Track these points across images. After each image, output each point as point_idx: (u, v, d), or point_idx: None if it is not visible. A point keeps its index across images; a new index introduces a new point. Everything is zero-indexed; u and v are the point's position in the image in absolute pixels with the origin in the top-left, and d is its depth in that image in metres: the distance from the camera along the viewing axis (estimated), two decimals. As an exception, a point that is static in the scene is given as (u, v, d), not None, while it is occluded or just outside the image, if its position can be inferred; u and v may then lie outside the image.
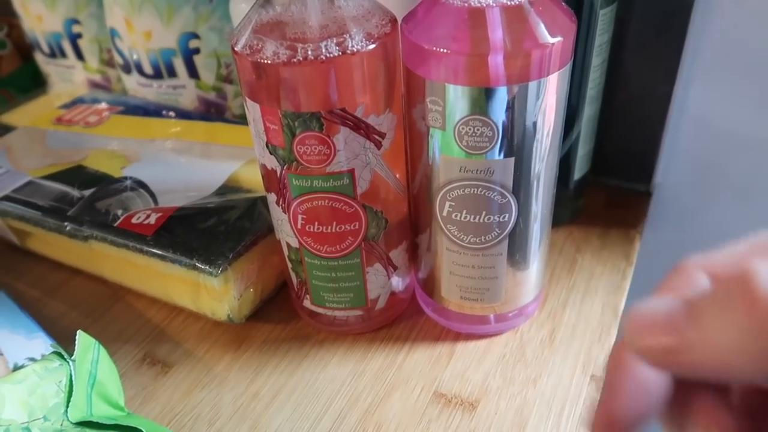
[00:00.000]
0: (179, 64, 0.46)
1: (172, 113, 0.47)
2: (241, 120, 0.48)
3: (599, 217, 0.41)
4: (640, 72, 0.38)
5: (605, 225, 0.40)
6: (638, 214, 0.41)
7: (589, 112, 0.36)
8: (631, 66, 0.38)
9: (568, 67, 0.26)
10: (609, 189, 0.43)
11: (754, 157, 0.39)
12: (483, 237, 0.29)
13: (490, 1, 0.24)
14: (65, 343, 0.31)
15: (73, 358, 0.27)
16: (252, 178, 0.38)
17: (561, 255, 0.38)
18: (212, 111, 0.48)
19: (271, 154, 0.27)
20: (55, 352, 0.28)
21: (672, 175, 0.42)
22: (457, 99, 0.25)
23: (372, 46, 0.25)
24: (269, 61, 0.25)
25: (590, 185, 0.41)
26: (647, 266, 0.44)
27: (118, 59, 0.49)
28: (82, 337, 0.28)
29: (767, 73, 0.36)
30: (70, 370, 0.27)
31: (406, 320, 0.35)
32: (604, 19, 0.32)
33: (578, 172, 0.38)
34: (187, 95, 0.48)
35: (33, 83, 0.58)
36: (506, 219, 0.28)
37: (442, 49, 0.24)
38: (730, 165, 0.40)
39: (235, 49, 0.26)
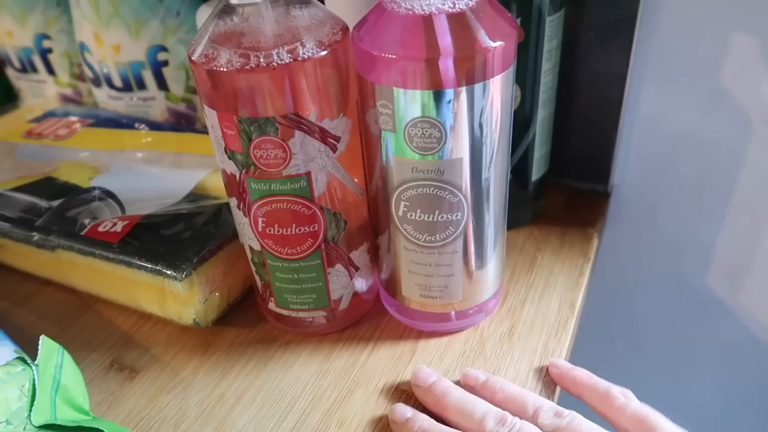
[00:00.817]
0: (148, 77, 0.47)
1: (143, 125, 0.48)
2: (211, 130, 0.48)
3: (559, 216, 0.42)
4: (592, 76, 0.39)
5: (565, 224, 0.41)
6: (596, 214, 0.42)
7: (542, 114, 0.37)
8: (583, 71, 0.39)
9: (511, 70, 0.27)
10: (568, 190, 0.44)
11: (704, 156, 0.40)
12: (437, 235, 0.30)
13: (434, 9, 0.25)
14: (34, 352, 0.32)
15: (36, 362, 0.28)
16: (219, 186, 0.39)
17: (521, 254, 0.39)
18: (182, 122, 0.49)
19: (230, 159, 0.28)
20: (18, 358, 0.28)
21: (628, 175, 0.44)
22: (405, 102, 0.26)
23: (323, 53, 0.26)
24: (224, 69, 0.25)
25: (550, 186, 0.43)
26: (608, 262, 0.45)
27: (88, 73, 0.50)
28: (45, 342, 0.28)
29: (710, 75, 0.37)
30: (33, 375, 0.27)
31: (370, 320, 0.35)
32: (551, 26, 0.34)
33: (536, 173, 0.39)
34: (157, 107, 0.48)
35: (5, 98, 0.58)
36: (459, 217, 0.29)
37: (390, 55, 0.25)
38: (682, 164, 0.42)
39: (192, 58, 0.27)
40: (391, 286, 0.34)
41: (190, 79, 0.48)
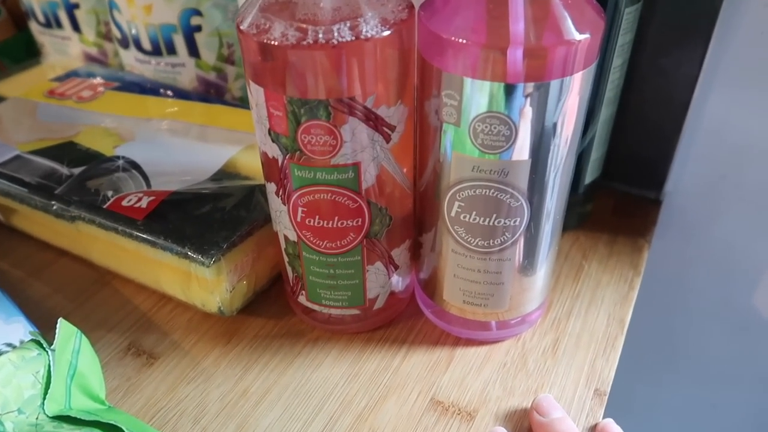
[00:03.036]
0: (179, 41, 0.44)
1: (169, 92, 0.45)
2: (241, 103, 0.46)
3: (607, 223, 0.40)
4: (658, 76, 0.36)
5: (613, 232, 0.39)
6: (647, 223, 0.40)
7: (605, 114, 0.34)
8: (649, 69, 0.36)
9: (593, 67, 0.24)
10: (617, 195, 0.42)
11: (770, 171, 0.38)
12: (491, 241, 0.27)
13: (517, -9, 0.22)
14: (47, 328, 0.30)
15: (52, 347, 0.26)
16: (251, 165, 0.37)
17: (566, 261, 0.37)
18: (212, 92, 0.47)
19: (273, 141, 0.26)
20: (33, 340, 0.26)
21: (683, 184, 0.41)
22: (474, 94, 0.23)
23: (387, 33, 0.24)
24: (277, 43, 0.23)
25: (598, 190, 0.40)
26: (654, 276, 0.43)
27: (116, 33, 0.47)
28: (63, 326, 0.26)
29: (792, 84, 0.34)
30: (49, 360, 0.25)
31: (404, 321, 0.33)
32: (628, 18, 0.31)
33: (589, 176, 0.37)
34: (186, 74, 0.46)
35: (26, 53, 0.55)
36: (517, 223, 0.27)
37: (461, 40, 0.23)
38: (743, 177, 0.39)
39: (241, 27, 0.24)
40: (431, 287, 0.31)
41: (223, 46, 0.45)
